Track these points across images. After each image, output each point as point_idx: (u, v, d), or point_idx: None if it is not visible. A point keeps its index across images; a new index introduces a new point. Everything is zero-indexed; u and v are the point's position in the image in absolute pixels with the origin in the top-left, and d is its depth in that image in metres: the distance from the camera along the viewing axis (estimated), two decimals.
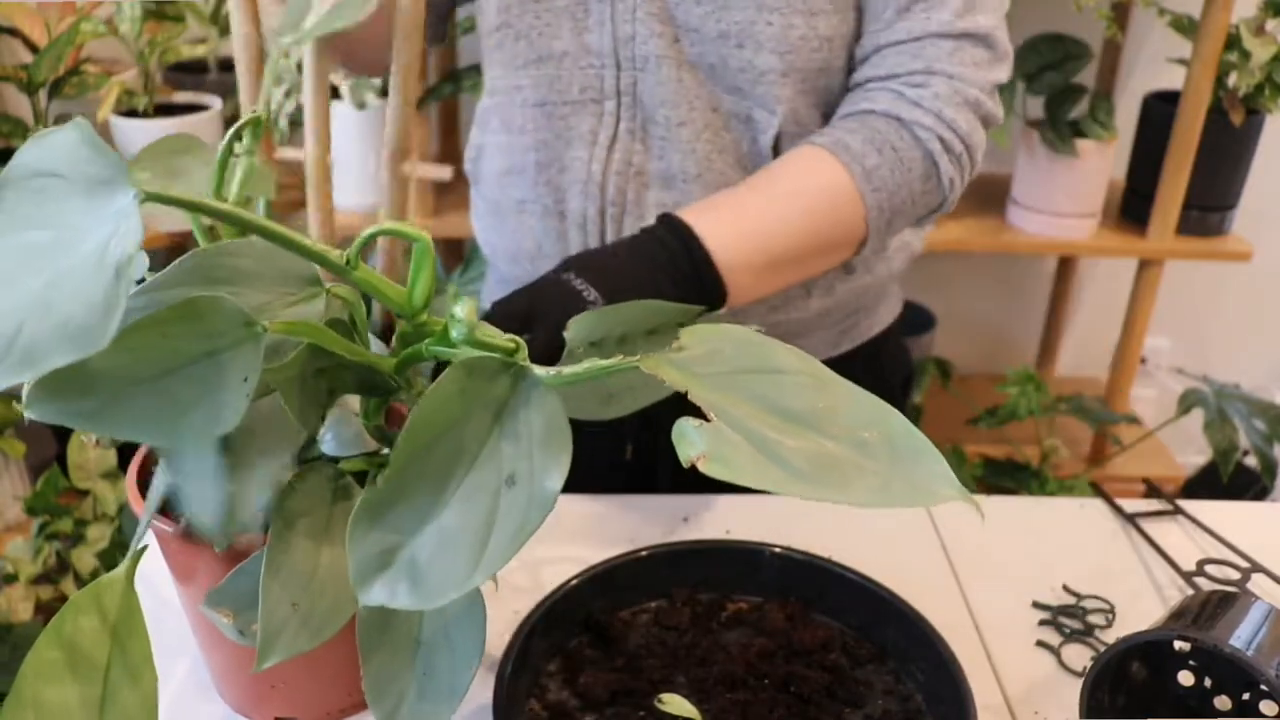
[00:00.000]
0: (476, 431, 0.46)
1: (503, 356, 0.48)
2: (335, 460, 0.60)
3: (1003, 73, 0.88)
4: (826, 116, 0.92)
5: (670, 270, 0.77)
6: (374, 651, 0.53)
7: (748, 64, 0.86)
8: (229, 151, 0.56)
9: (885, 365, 1.08)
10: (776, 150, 0.89)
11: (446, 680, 0.54)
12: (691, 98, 0.88)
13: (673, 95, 0.88)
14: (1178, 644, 0.68)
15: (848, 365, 1.02)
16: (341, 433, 0.60)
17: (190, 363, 0.45)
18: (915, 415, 1.12)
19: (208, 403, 0.45)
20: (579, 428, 0.74)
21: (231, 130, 0.57)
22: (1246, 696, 0.66)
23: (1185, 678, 0.69)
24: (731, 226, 0.80)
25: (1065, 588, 0.85)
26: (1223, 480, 1.81)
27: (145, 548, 0.53)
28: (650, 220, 0.89)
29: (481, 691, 0.70)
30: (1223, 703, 0.68)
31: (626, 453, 1.05)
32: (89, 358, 0.39)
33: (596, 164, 0.92)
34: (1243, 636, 0.62)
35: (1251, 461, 1.88)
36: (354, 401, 0.60)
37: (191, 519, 0.57)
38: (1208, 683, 0.68)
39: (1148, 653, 0.68)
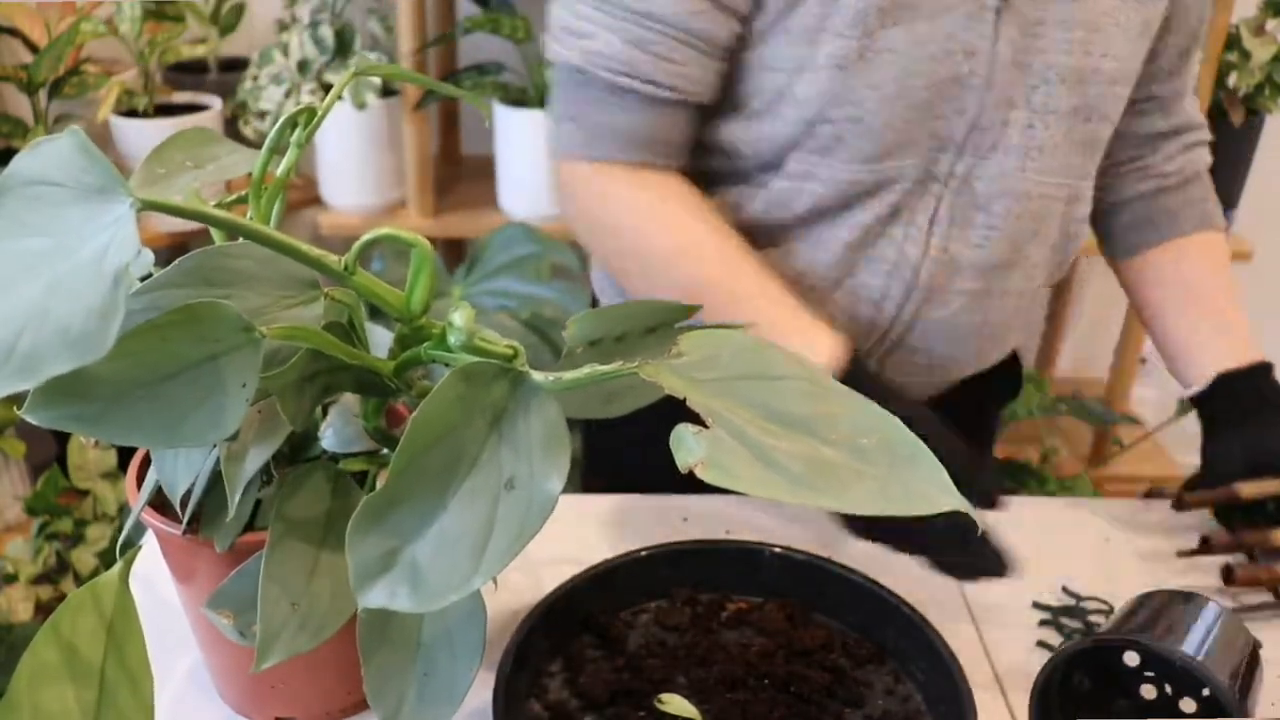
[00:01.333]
0: (475, 436, 0.46)
1: (500, 362, 0.48)
2: (335, 459, 0.60)
3: None
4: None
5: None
6: (374, 652, 0.53)
7: (1092, 137, 0.87)
8: (281, 135, 0.56)
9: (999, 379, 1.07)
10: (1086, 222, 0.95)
11: (447, 681, 0.54)
12: (1030, 187, 0.85)
13: (1015, 186, 0.84)
14: (1129, 655, 0.68)
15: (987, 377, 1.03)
16: (342, 431, 0.60)
17: (190, 367, 0.45)
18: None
19: (208, 407, 0.45)
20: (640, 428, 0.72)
21: (284, 118, 0.56)
22: (1206, 692, 0.66)
23: (1148, 691, 0.69)
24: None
25: (1065, 589, 0.85)
26: None
27: (140, 547, 0.53)
28: (950, 305, 0.88)
29: (481, 691, 0.70)
30: (1188, 705, 0.68)
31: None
32: (88, 364, 0.39)
33: (911, 246, 0.85)
34: (1194, 640, 0.62)
35: None
36: (354, 400, 0.60)
37: (186, 516, 0.57)
38: (1168, 689, 0.69)
39: (1098, 656, 0.68)
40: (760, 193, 0.86)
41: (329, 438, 0.59)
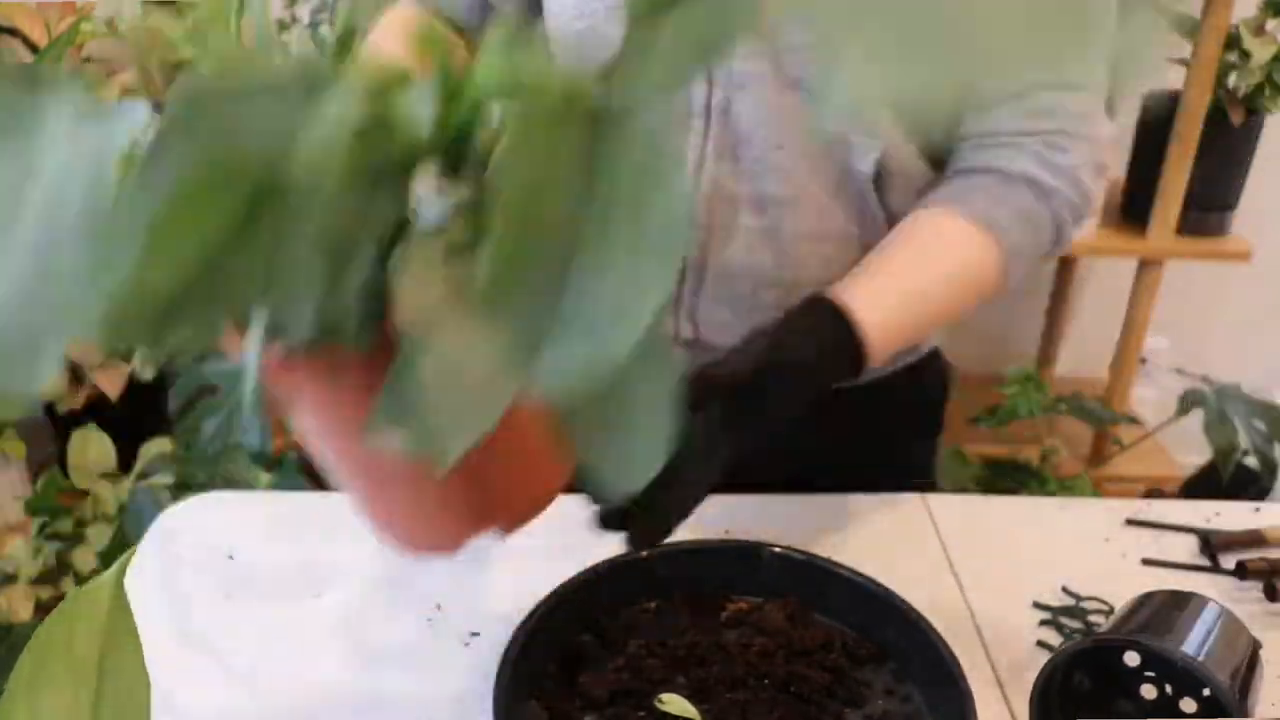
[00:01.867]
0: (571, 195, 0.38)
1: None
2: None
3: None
4: (923, 149, 0.90)
5: (830, 364, 0.76)
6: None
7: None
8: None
9: (928, 380, 1.06)
10: (877, 178, 0.87)
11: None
12: (789, 120, 0.85)
13: (771, 117, 0.84)
14: (1130, 655, 0.68)
15: (894, 381, 1.00)
16: (433, 206, 0.54)
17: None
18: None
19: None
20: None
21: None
22: (1206, 692, 0.66)
23: (1148, 690, 0.69)
24: (889, 315, 0.78)
25: (1065, 589, 0.85)
26: (1222, 480, 1.81)
27: (136, 548, 0.53)
28: (739, 243, 0.88)
29: (482, 691, 0.70)
30: (1188, 705, 0.68)
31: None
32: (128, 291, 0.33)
33: None
34: (1194, 640, 0.62)
35: (1252, 462, 1.88)
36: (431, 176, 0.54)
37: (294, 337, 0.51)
38: (1168, 689, 0.69)
39: (1098, 656, 0.68)
40: None
41: (424, 218, 0.54)
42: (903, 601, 0.71)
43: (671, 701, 0.65)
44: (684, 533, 0.88)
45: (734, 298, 0.90)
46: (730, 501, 0.92)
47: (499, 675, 0.64)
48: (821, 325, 0.74)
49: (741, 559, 0.77)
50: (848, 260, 0.89)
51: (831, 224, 0.88)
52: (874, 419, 0.99)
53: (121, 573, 0.52)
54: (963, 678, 0.65)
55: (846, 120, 0.86)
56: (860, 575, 0.74)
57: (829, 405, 0.97)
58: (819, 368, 0.73)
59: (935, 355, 1.06)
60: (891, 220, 0.88)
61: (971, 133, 0.85)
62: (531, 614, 0.69)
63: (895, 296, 0.78)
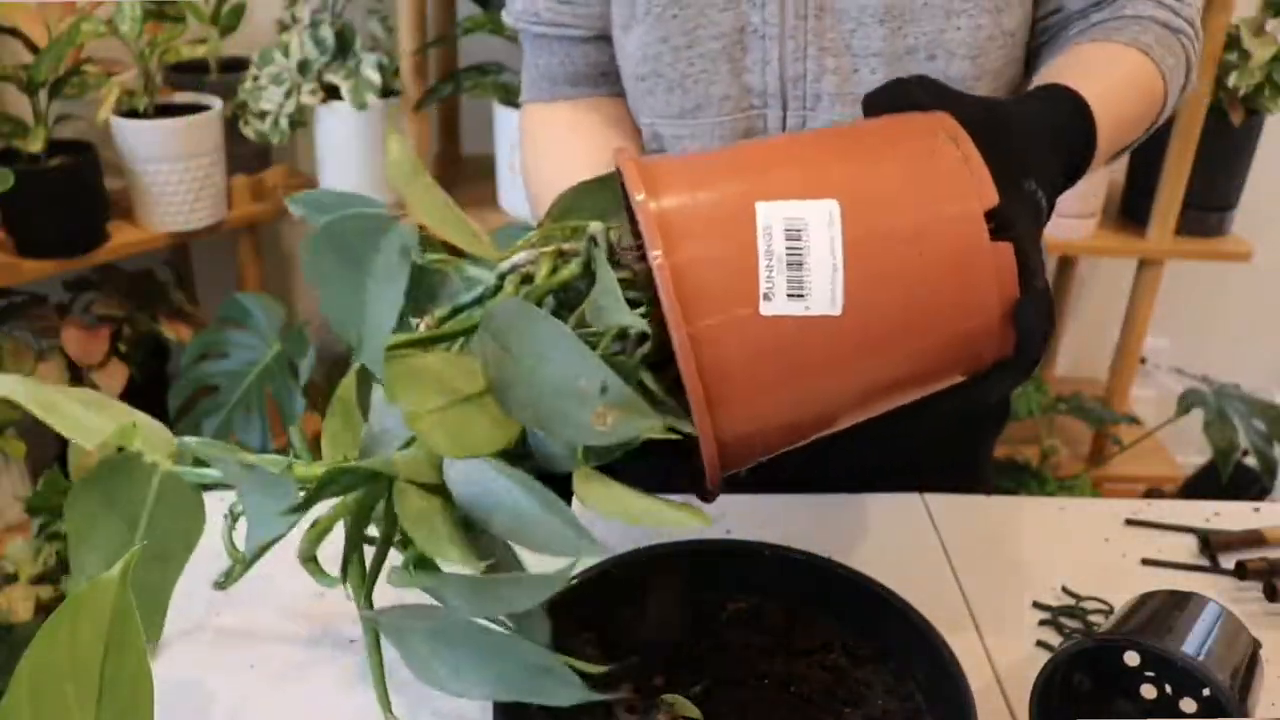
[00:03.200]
0: None
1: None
2: None
3: None
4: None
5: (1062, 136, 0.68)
6: None
7: (940, 75, 0.80)
8: None
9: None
10: None
11: None
12: None
13: None
14: (1130, 655, 0.68)
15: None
16: None
17: None
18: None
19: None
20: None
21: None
22: (1207, 693, 0.66)
23: (1148, 691, 0.69)
24: (1106, 109, 0.71)
25: (1064, 589, 0.85)
26: (1222, 480, 1.81)
27: (137, 550, 0.53)
28: None
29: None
30: (1188, 705, 0.68)
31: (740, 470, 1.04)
32: None
33: None
34: (1194, 640, 0.62)
35: (1251, 461, 1.88)
36: None
37: None
38: (1168, 689, 0.69)
39: (1098, 656, 0.68)
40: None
41: None
42: (904, 602, 0.71)
43: (673, 702, 0.65)
44: (684, 532, 0.88)
45: None
46: (730, 501, 0.92)
47: None
48: (1050, 95, 0.68)
49: (742, 558, 0.77)
50: None
51: None
52: (941, 418, 0.99)
53: (125, 572, 0.53)
54: (964, 678, 0.65)
55: None
56: (861, 575, 0.74)
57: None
58: (1057, 117, 0.66)
59: None
60: None
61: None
62: None
63: (1099, 85, 0.71)
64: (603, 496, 0.51)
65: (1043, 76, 0.77)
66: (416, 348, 0.55)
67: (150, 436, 0.61)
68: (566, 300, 0.58)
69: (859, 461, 0.94)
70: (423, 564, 0.57)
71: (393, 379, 0.51)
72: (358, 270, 0.57)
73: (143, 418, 0.64)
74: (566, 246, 0.58)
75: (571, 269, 0.57)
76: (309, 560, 0.59)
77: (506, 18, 0.92)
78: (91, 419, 0.62)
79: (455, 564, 0.53)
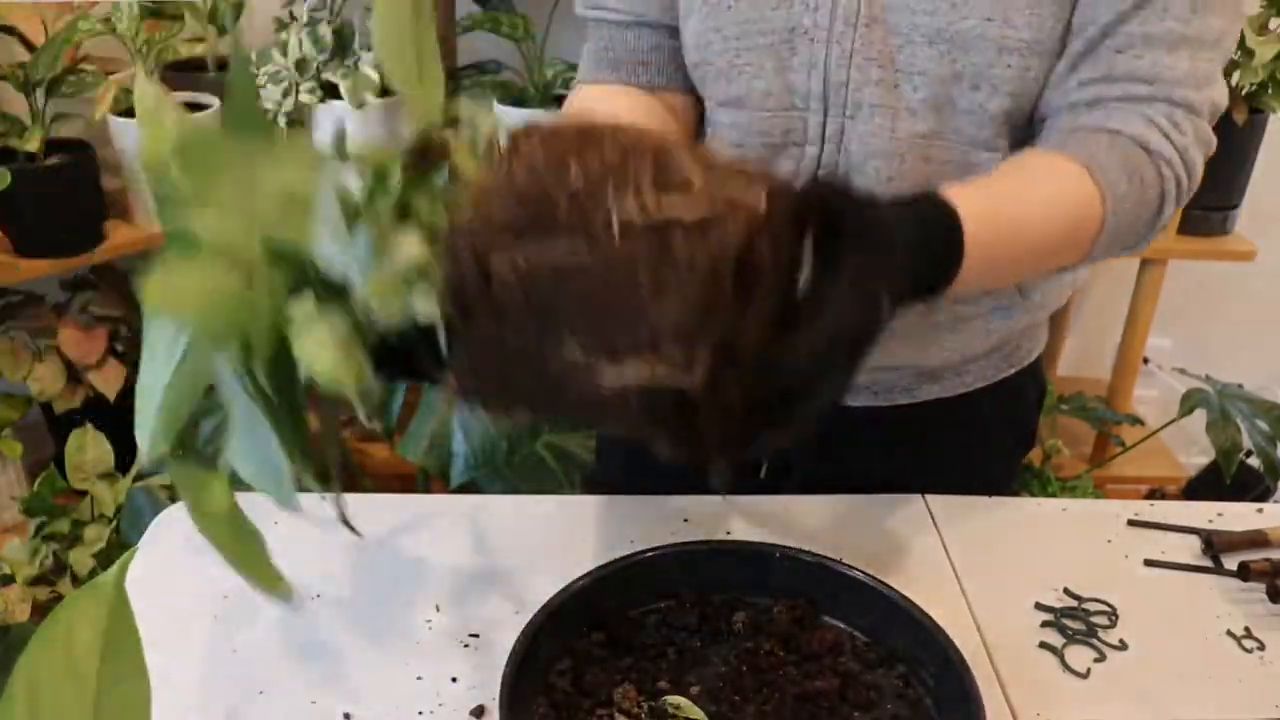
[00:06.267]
0: None
1: None
2: None
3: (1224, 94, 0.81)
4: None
5: (921, 249, 0.66)
6: None
7: (978, 107, 0.80)
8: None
9: (1027, 393, 1.04)
10: None
11: None
12: (904, 150, 0.82)
13: (886, 147, 0.82)
14: None
15: (1006, 388, 0.98)
16: None
17: None
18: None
19: None
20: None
21: None
22: None
23: None
24: (983, 221, 0.69)
25: (1067, 590, 0.84)
26: (1225, 480, 1.81)
27: (136, 549, 0.53)
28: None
29: (488, 687, 0.70)
30: None
31: (761, 472, 1.03)
32: None
33: None
34: None
35: (1254, 462, 1.88)
36: None
37: None
38: None
39: None
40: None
41: None
42: (913, 605, 0.71)
43: (679, 705, 0.65)
44: (685, 533, 0.88)
45: None
46: (730, 503, 0.91)
47: (506, 673, 0.64)
48: (918, 201, 0.67)
49: (751, 561, 0.77)
50: (953, 313, 0.90)
51: None
52: (970, 431, 0.98)
53: (122, 573, 0.52)
54: (973, 682, 0.65)
55: (965, 139, 0.82)
56: (871, 578, 0.73)
57: (928, 418, 0.96)
58: (923, 233, 0.65)
59: (1036, 366, 1.03)
60: None
61: (1081, 98, 0.80)
62: (539, 613, 0.69)
63: (990, 201, 0.71)
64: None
65: (973, 180, 0.76)
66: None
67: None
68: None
69: (872, 479, 0.94)
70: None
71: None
72: None
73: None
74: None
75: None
76: None
77: (577, 6, 0.94)
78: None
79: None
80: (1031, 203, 0.75)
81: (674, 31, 0.89)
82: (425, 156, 0.53)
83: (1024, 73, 0.79)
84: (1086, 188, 0.75)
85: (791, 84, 0.83)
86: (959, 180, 0.80)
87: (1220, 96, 0.81)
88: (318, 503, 0.91)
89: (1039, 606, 0.83)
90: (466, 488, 1.56)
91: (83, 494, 1.62)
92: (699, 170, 0.51)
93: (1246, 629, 0.82)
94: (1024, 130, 0.84)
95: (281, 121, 1.74)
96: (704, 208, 0.50)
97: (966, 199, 0.67)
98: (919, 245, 0.64)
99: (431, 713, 0.70)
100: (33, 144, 1.61)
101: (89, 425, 1.63)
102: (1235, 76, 1.75)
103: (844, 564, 0.75)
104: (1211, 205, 1.89)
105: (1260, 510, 0.96)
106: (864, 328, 0.55)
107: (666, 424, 0.51)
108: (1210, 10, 0.77)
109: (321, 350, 0.51)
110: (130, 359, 1.85)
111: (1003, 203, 0.72)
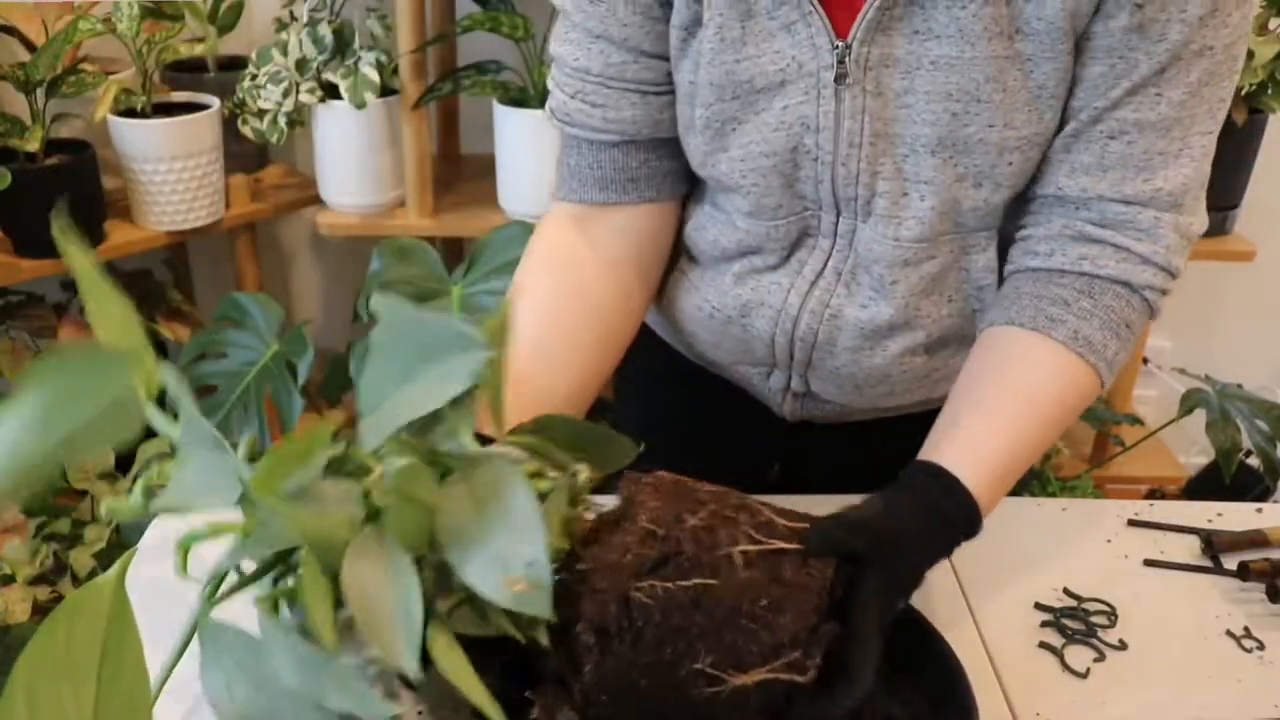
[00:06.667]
0: None
1: None
2: None
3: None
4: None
5: (945, 538, 0.72)
6: None
7: (982, 202, 0.80)
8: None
9: None
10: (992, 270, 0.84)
11: None
12: (909, 255, 0.82)
13: (889, 254, 0.82)
14: None
15: None
16: None
17: None
18: None
19: None
20: (728, 441, 0.78)
21: None
22: None
23: None
24: (995, 475, 0.74)
25: (1066, 590, 0.84)
26: (1225, 481, 1.80)
27: (136, 550, 0.53)
28: (843, 359, 0.87)
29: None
30: None
31: (773, 471, 1.04)
32: None
33: (795, 296, 0.87)
34: None
35: (1254, 462, 1.88)
36: None
37: None
38: None
39: None
40: (692, 212, 0.91)
41: None
42: (908, 606, 0.71)
43: None
44: None
45: (839, 384, 0.91)
46: None
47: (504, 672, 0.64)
48: (932, 498, 0.71)
49: None
50: (950, 372, 0.89)
51: (943, 334, 0.87)
52: None
53: (122, 573, 0.52)
54: (967, 683, 0.65)
55: (966, 229, 0.83)
56: None
57: (929, 419, 0.96)
58: (932, 545, 0.70)
59: None
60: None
61: (1069, 191, 0.79)
62: None
63: (1000, 455, 0.75)
64: (449, 659, 0.56)
65: (967, 391, 0.79)
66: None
67: (144, 372, 0.60)
68: None
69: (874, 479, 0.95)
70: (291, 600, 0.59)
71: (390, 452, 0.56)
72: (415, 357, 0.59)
73: (150, 353, 0.62)
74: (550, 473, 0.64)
75: (540, 485, 0.62)
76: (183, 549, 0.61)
77: (545, 112, 0.90)
78: (113, 323, 0.62)
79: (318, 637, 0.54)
80: (1034, 431, 0.77)
81: (660, 145, 0.87)
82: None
83: (1025, 164, 0.79)
84: (1082, 377, 0.78)
85: (801, 193, 0.83)
86: (958, 261, 0.84)
87: (1206, 174, 0.81)
88: None
89: (1039, 606, 0.83)
90: None
91: (83, 494, 1.62)
92: (772, 510, 0.65)
93: (1246, 629, 0.82)
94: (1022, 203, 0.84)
95: (282, 122, 1.74)
96: (794, 539, 0.63)
97: (972, 469, 0.72)
98: (938, 549, 0.71)
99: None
100: (33, 144, 1.61)
101: None
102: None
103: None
104: (1211, 205, 1.87)
105: (1260, 510, 0.97)
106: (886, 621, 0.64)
107: (777, 710, 0.61)
108: (1209, 84, 0.76)
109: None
110: None
111: (1008, 455, 0.75)
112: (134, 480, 1.59)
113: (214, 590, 0.61)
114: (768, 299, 0.88)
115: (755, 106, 0.80)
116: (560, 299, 0.87)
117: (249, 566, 0.61)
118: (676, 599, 0.59)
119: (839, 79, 0.76)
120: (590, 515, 0.65)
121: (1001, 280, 0.85)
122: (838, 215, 0.83)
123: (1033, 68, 0.75)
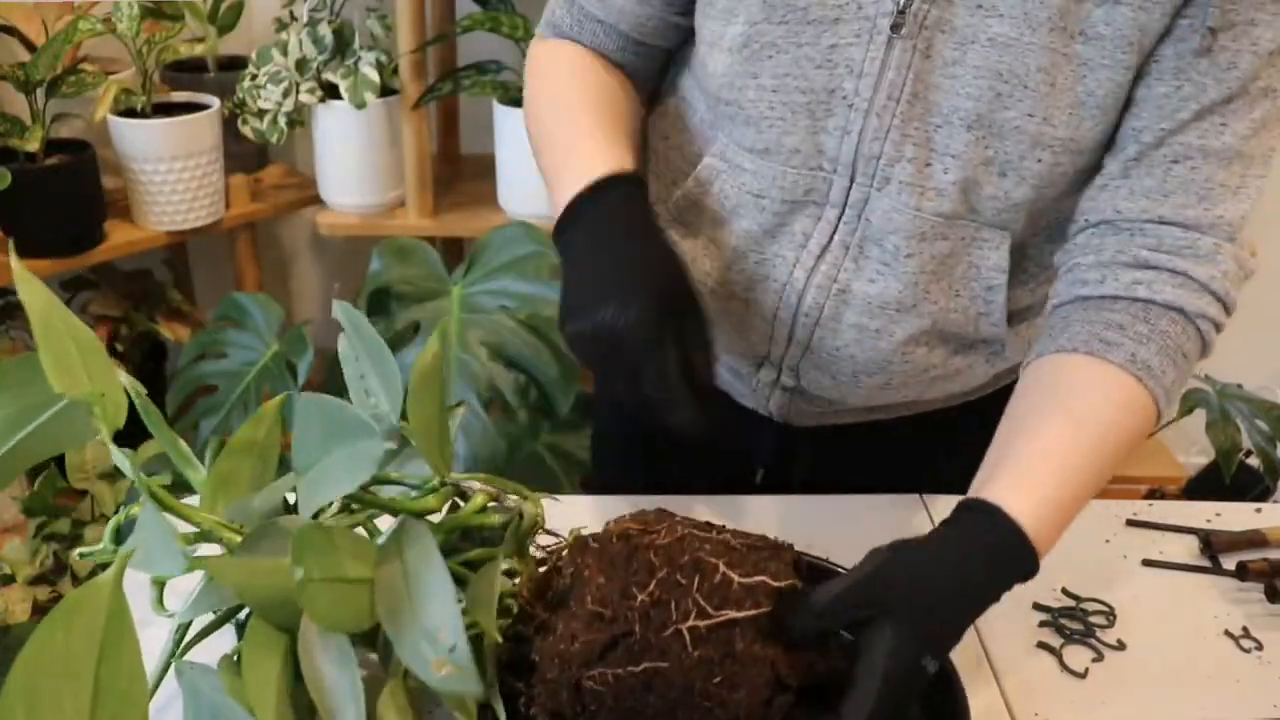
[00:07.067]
0: None
1: None
2: None
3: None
4: (1040, 229, 0.85)
5: (992, 585, 0.67)
6: None
7: (1003, 194, 0.79)
8: None
9: None
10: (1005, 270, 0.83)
11: None
12: (926, 229, 0.80)
13: (908, 224, 0.80)
14: None
15: (1007, 391, 0.97)
16: None
17: None
18: None
19: None
20: (712, 444, 0.73)
21: None
22: None
23: None
24: (1052, 508, 0.69)
25: (1065, 590, 0.84)
26: (1225, 480, 1.80)
27: (134, 550, 0.53)
28: (847, 338, 0.85)
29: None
30: None
31: (757, 476, 1.03)
32: None
33: (800, 270, 0.84)
34: None
35: (1254, 462, 1.88)
36: None
37: None
38: None
39: None
40: (696, 168, 0.89)
41: None
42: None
43: None
44: None
45: (835, 372, 0.89)
46: (725, 503, 0.91)
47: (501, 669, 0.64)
48: (979, 540, 0.67)
49: None
50: (949, 373, 0.88)
51: (947, 327, 0.86)
52: (970, 432, 0.96)
53: (120, 573, 0.52)
54: (959, 683, 0.65)
55: (982, 218, 0.81)
56: None
57: (927, 422, 0.95)
58: (990, 587, 0.67)
59: None
60: (1010, 314, 0.85)
61: (1129, 213, 0.77)
62: None
63: (1056, 487, 0.70)
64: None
65: (1022, 419, 0.74)
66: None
67: (109, 408, 0.62)
68: (483, 537, 0.69)
69: (871, 482, 0.95)
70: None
71: (301, 542, 0.57)
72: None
73: (117, 387, 0.64)
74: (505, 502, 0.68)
75: (490, 521, 0.67)
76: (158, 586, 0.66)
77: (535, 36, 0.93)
78: (74, 365, 0.64)
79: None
80: (1092, 459, 0.72)
81: (637, 45, 0.90)
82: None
83: (1053, 168, 0.77)
84: (1139, 402, 0.73)
85: (822, 145, 0.80)
86: (968, 251, 0.82)
87: (1252, 208, 0.79)
88: None
89: (1037, 606, 0.83)
90: None
91: (83, 494, 1.62)
92: (728, 560, 0.63)
93: (1244, 629, 0.82)
94: (1044, 216, 0.83)
95: (282, 122, 1.74)
96: (748, 603, 0.62)
97: (1025, 503, 0.68)
98: (982, 598, 0.66)
99: None
100: (33, 144, 1.62)
101: None
102: None
103: (832, 563, 0.75)
104: None
105: (1259, 510, 0.97)
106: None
107: None
108: (1267, 129, 0.75)
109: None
110: (130, 359, 1.85)
111: (1064, 487, 0.70)
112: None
113: (182, 635, 0.65)
114: (772, 273, 0.86)
115: (800, 37, 0.78)
116: (585, 71, 0.90)
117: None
118: (628, 684, 0.61)
119: (894, 28, 0.75)
120: (539, 553, 0.69)
121: (1013, 287, 0.84)
122: (851, 182, 0.81)
123: (1086, 72, 0.74)
